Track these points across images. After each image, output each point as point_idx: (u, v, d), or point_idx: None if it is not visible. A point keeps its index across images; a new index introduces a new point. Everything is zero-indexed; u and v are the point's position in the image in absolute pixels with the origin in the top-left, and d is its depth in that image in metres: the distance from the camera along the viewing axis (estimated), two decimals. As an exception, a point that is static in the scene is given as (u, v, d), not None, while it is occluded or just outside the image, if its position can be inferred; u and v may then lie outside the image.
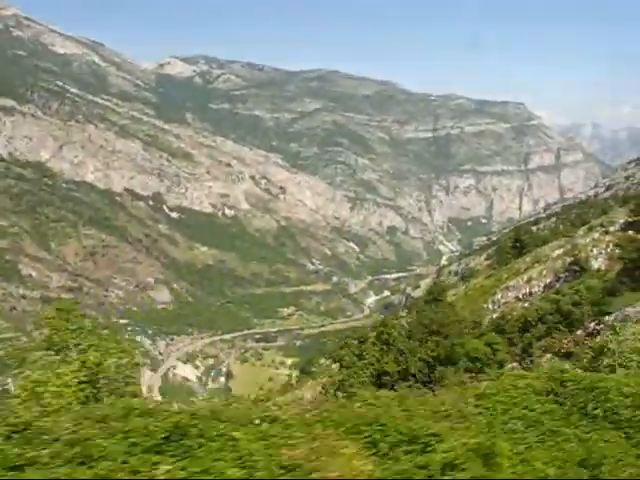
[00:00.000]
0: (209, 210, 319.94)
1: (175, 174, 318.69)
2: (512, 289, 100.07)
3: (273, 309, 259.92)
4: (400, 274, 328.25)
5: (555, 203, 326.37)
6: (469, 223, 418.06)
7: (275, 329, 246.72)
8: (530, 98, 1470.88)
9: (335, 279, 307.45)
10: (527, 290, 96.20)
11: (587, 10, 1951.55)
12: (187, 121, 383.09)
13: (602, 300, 50.11)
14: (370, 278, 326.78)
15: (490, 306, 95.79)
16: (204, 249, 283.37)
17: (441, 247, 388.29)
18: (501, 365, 35.47)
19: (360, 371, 34.37)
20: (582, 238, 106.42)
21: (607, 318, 44.56)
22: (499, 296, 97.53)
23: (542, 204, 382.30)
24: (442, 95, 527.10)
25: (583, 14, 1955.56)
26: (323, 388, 42.42)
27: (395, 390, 26.84)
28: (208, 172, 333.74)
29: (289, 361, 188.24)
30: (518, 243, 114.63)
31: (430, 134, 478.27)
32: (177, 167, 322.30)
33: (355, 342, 40.30)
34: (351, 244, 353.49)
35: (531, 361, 34.68)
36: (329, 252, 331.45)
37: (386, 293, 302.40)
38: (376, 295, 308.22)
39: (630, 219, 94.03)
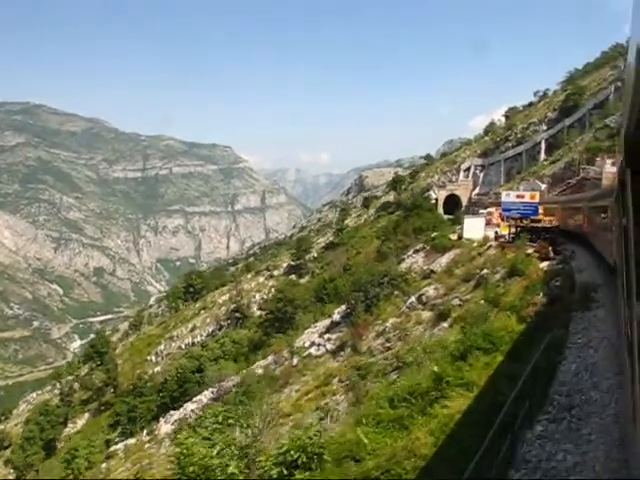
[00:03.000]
0: None
1: None
2: (176, 339, 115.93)
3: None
4: (107, 316, 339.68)
5: (259, 243, 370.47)
6: (178, 263, 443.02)
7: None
8: (238, 143, 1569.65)
9: (36, 324, 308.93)
10: (190, 340, 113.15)
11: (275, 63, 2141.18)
12: None
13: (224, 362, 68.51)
14: (75, 321, 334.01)
15: (153, 358, 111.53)
16: None
17: (150, 288, 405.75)
18: None
19: None
20: (248, 282, 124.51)
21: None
22: (162, 347, 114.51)
23: (248, 244, 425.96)
24: (152, 135, 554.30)
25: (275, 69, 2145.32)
26: None
27: None
28: None
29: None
30: (191, 288, 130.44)
31: (139, 174, 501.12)
32: None
33: None
34: (55, 286, 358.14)
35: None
36: (30, 295, 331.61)
37: (92, 337, 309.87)
38: (81, 339, 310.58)
39: (292, 262, 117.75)
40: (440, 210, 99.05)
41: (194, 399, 51.26)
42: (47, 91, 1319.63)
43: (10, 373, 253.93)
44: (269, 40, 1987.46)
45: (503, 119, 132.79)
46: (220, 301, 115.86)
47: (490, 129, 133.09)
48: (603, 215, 22.32)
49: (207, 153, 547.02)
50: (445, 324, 30.53)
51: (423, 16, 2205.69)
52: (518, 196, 44.59)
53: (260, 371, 46.40)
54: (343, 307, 46.53)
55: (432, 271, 43.30)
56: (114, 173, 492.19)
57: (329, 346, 42.11)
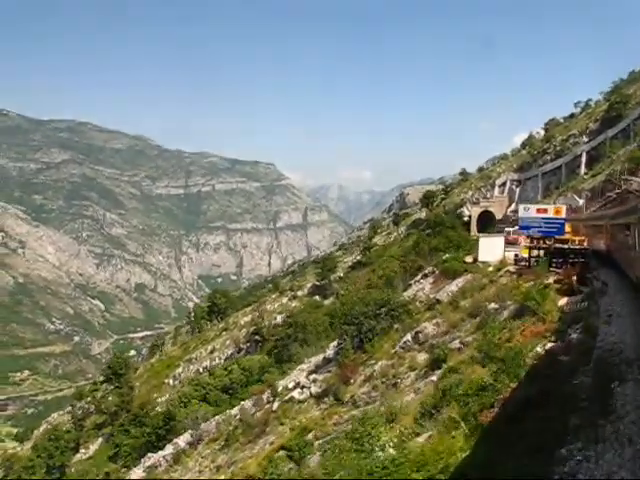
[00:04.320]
0: None
1: None
2: (195, 361, 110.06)
3: (4, 374, 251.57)
4: (148, 332, 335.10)
5: (300, 260, 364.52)
6: (219, 280, 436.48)
7: (5, 397, 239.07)
8: (281, 159, 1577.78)
9: (77, 339, 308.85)
10: (209, 363, 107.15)
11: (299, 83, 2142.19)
12: None
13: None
14: (116, 337, 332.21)
15: (171, 381, 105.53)
16: None
17: (190, 304, 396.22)
18: None
19: None
20: (271, 303, 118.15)
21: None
22: (180, 370, 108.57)
23: (290, 261, 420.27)
24: (195, 152, 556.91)
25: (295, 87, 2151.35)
26: None
27: None
28: None
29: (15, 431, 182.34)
30: (215, 307, 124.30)
31: (182, 190, 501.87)
32: None
33: None
34: (96, 302, 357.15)
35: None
36: (72, 311, 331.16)
37: (132, 353, 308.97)
38: None
39: (317, 283, 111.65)
40: (473, 228, 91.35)
41: (174, 440, 44.47)
42: (93, 109, 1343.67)
43: (50, 388, 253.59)
44: (314, 58, 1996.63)
45: (542, 132, 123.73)
46: (242, 322, 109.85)
47: (528, 142, 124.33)
48: (627, 232, 20.31)
49: (250, 170, 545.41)
50: (434, 377, 23.19)
51: (466, 33, 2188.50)
52: (539, 210, 36.10)
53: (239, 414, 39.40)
54: (337, 342, 39.42)
55: (438, 301, 35.80)
56: (157, 190, 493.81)
57: (314, 389, 34.96)
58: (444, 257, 44.18)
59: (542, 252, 36.21)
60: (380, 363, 30.62)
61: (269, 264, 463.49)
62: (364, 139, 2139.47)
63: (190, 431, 42.76)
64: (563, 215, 35.78)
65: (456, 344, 26.18)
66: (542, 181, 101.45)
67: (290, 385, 38.12)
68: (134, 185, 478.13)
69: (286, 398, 36.39)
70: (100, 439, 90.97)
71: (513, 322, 22.99)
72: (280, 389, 38.85)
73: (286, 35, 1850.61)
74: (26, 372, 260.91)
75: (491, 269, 36.71)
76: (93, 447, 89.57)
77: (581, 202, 64.51)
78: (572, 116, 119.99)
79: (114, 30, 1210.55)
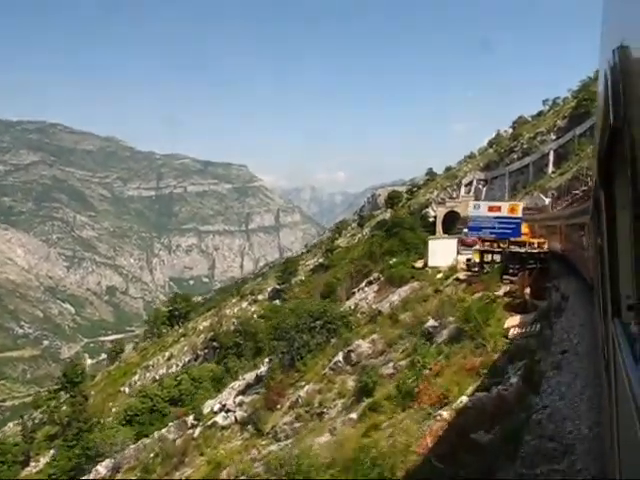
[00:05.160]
0: None
1: None
2: (152, 369, 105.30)
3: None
4: (119, 336, 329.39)
5: (273, 262, 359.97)
6: (191, 282, 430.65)
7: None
8: (254, 161, 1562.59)
9: (46, 343, 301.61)
10: (165, 370, 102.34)
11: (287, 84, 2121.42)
12: None
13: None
14: (86, 340, 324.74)
15: (127, 390, 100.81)
16: None
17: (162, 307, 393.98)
18: None
19: None
20: (231, 308, 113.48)
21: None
22: (137, 378, 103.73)
23: (262, 263, 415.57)
24: (167, 154, 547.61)
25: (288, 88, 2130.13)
26: None
27: None
28: None
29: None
30: (176, 312, 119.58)
31: (153, 192, 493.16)
32: None
33: None
34: (66, 305, 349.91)
35: None
36: (41, 314, 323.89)
37: (103, 356, 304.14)
38: (92, 359, 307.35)
39: (278, 286, 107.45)
40: (439, 228, 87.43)
41: (97, 467, 39.28)
42: (63, 110, 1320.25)
43: (18, 393, 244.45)
44: (286, 60, 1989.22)
45: (510, 130, 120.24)
46: (200, 328, 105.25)
47: (495, 141, 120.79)
48: (582, 233, 19.79)
49: (222, 172, 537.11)
50: (354, 413, 18.32)
51: (441, 39, 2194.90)
52: (491, 209, 30.78)
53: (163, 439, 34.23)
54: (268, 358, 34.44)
55: (380, 312, 30.98)
56: (128, 191, 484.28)
57: (239, 413, 29.99)
58: (391, 262, 39.38)
59: (498, 256, 31.47)
60: (307, 388, 25.72)
61: (241, 266, 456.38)
62: (338, 141, 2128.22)
63: (111, 457, 37.71)
64: (519, 214, 30.84)
65: (389, 369, 21.43)
66: (509, 180, 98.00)
67: (216, 407, 33.05)
68: (105, 187, 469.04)
69: (209, 423, 31.40)
70: (52, 451, 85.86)
71: (451, 346, 18.25)
72: (207, 411, 33.84)
73: (261, 38, 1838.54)
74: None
75: (440, 276, 31.97)
76: (44, 460, 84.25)
77: (547, 201, 60.55)
78: (540, 114, 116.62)
79: (82, 33, 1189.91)
